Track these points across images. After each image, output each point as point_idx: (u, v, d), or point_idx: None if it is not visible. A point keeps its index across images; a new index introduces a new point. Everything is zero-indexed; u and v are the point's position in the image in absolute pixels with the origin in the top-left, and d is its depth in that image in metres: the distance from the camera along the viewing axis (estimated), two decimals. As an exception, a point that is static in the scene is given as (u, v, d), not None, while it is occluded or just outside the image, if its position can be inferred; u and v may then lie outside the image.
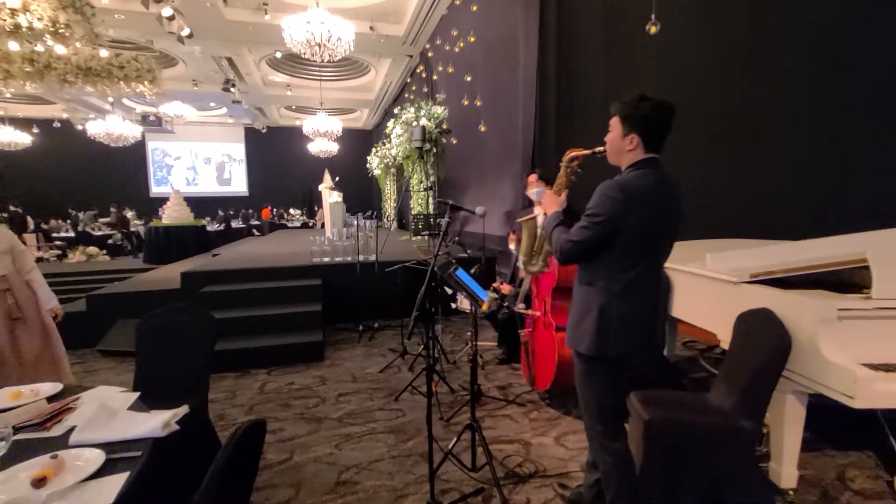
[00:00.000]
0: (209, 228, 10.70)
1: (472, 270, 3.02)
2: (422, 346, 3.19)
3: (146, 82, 8.49)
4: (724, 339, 2.20)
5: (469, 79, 7.45)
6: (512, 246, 3.78)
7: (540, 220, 3.40)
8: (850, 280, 2.21)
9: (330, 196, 8.10)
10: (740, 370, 1.90)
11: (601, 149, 1.62)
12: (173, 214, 7.84)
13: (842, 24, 3.07)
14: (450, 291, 2.27)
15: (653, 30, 3.70)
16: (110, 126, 11.58)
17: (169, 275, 5.13)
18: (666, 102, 1.46)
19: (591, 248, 1.51)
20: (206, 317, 2.13)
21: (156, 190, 17.31)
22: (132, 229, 11.96)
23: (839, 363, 1.61)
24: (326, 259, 5.01)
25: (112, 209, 12.14)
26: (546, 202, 1.76)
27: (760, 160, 3.73)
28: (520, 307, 3.00)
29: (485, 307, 1.92)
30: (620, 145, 1.52)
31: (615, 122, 1.53)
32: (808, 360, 1.72)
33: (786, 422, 1.87)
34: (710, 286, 2.35)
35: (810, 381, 1.72)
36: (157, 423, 1.30)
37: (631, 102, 1.48)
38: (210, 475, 0.90)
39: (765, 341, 1.79)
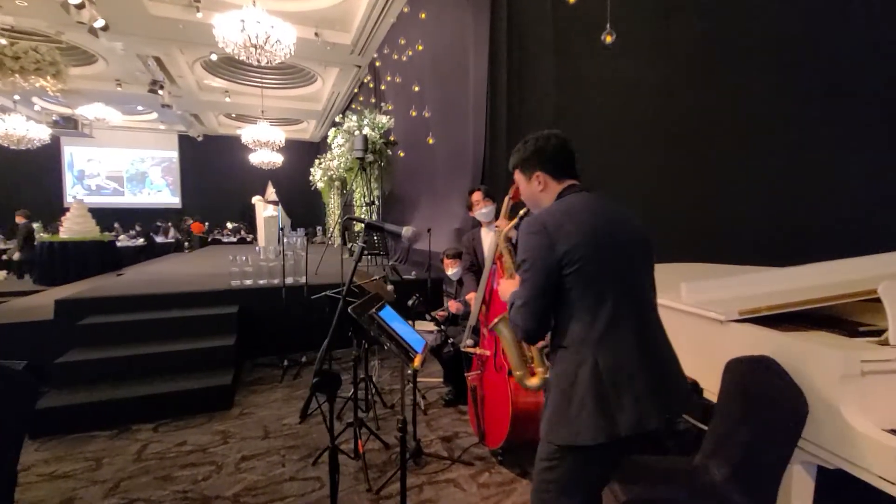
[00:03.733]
0: (125, 244, 9.52)
1: (410, 302, 2.53)
2: (352, 391, 2.63)
3: (48, 77, 7.44)
4: (708, 388, 1.83)
5: (417, 89, 7.06)
6: (449, 271, 3.35)
7: (486, 244, 2.99)
8: (828, 314, 1.93)
9: (264, 209, 7.37)
10: (736, 434, 1.51)
11: (523, 211, 1.57)
12: (74, 227, 6.75)
13: (790, 38, 2.97)
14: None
15: (608, 39, 3.48)
16: (10, 126, 10.16)
17: (49, 301, 4.23)
18: (549, 133, 1.38)
19: (545, 304, 1.22)
20: (11, 377, 1.48)
21: (71, 200, 15.54)
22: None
23: (870, 435, 1.25)
24: (248, 282, 4.32)
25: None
26: (504, 290, 1.46)
27: (711, 175, 3.58)
28: (467, 345, 2.52)
29: (417, 363, 1.42)
30: (532, 191, 1.40)
31: (517, 176, 1.44)
32: (826, 427, 1.35)
33: (792, 499, 1.49)
34: (687, 322, 1.99)
35: (830, 454, 1.35)
36: None
37: (517, 150, 1.42)
38: None
39: (770, 402, 1.41)
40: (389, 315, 1.47)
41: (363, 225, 1.46)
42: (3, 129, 10.26)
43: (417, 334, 1.53)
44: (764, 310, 1.70)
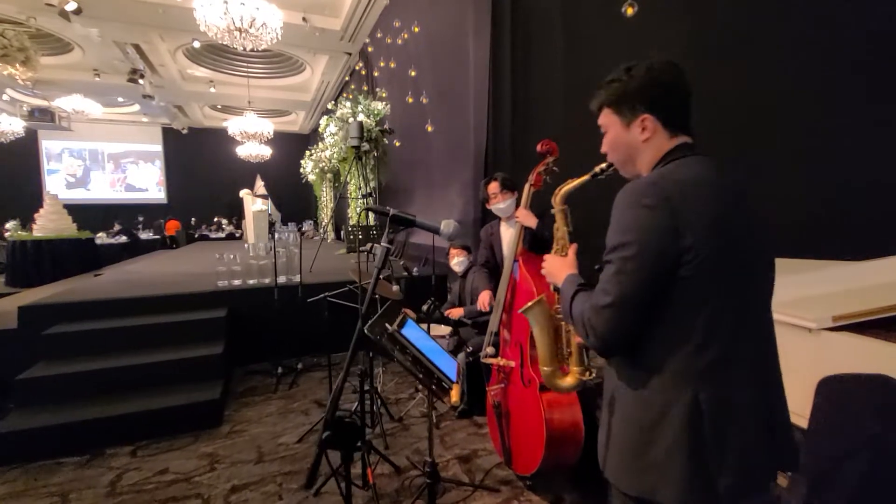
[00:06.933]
0: (108, 241, 9.07)
1: (426, 307, 2.22)
2: (356, 404, 2.32)
3: (17, 64, 6.94)
4: (796, 411, 1.54)
5: (414, 74, 6.69)
6: (453, 261, 3.06)
7: (506, 240, 2.64)
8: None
9: (253, 203, 6.99)
10: (851, 471, 1.22)
11: (603, 166, 1.10)
12: (48, 225, 6.31)
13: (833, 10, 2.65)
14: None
15: (629, 11, 3.16)
16: (-19, 119, 9.63)
17: (15, 307, 3.85)
18: (665, 60, 0.96)
19: (643, 310, 0.87)
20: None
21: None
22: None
23: None
24: (236, 282, 3.97)
25: None
26: (552, 269, 1.11)
27: (743, 161, 3.27)
28: (487, 354, 2.21)
29: (455, 398, 1.10)
30: (629, 140, 0.98)
31: (607, 117, 1.01)
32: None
33: (915, 550, 1.21)
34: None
35: None
36: None
37: (619, 78, 0.98)
38: None
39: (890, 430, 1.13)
40: (414, 333, 1.16)
41: (387, 218, 1.12)
42: (-28, 122, 9.74)
43: (448, 355, 1.22)
44: (865, 315, 1.41)
